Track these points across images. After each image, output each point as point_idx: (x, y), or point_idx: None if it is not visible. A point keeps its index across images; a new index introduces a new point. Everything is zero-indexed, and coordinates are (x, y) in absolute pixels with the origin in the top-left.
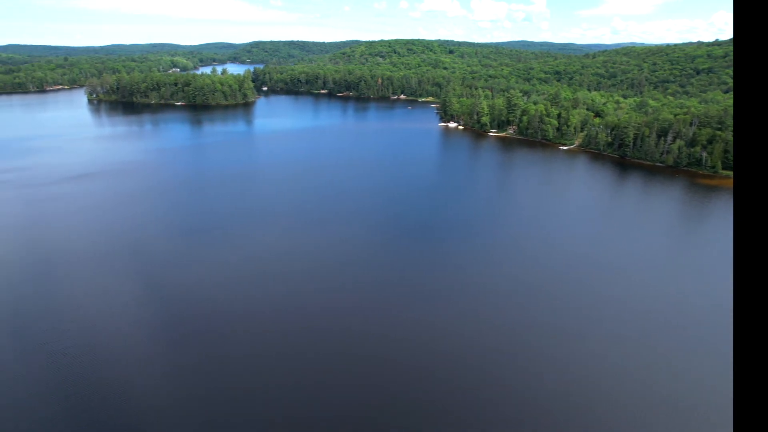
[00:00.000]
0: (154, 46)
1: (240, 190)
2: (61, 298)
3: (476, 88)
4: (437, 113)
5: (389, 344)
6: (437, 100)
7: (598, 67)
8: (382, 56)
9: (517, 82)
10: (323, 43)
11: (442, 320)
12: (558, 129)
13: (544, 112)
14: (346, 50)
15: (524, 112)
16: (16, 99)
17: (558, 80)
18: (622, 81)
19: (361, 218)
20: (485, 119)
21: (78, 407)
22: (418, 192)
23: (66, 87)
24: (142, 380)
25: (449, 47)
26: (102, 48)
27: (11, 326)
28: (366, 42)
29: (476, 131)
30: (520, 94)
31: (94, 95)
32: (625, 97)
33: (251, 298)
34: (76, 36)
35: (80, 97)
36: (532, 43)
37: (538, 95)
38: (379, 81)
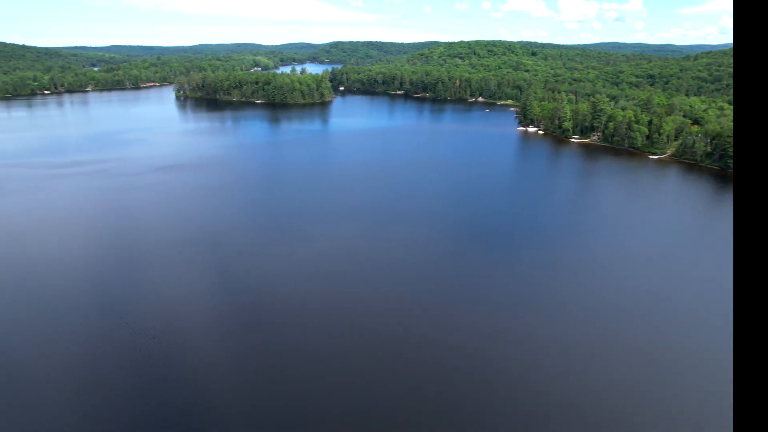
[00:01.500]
0: (238, 46)
1: (313, 188)
2: (143, 283)
3: (559, 92)
4: (516, 117)
5: (453, 353)
6: (517, 104)
7: (699, 70)
8: (460, 57)
9: (604, 86)
10: (401, 43)
11: (507, 333)
12: (648, 137)
13: (633, 118)
14: (424, 51)
15: (611, 117)
16: (114, 95)
17: (651, 84)
18: (728, 85)
19: (432, 221)
20: (567, 124)
21: (151, 381)
22: (493, 197)
23: (157, 84)
24: (209, 361)
25: (532, 49)
26: (191, 48)
27: (99, 305)
28: (445, 43)
29: (557, 137)
30: (607, 99)
31: (182, 92)
32: (731, 103)
33: (317, 294)
34: (169, 37)
35: (169, 93)
36: (623, 44)
37: (627, 100)
38: (457, 83)
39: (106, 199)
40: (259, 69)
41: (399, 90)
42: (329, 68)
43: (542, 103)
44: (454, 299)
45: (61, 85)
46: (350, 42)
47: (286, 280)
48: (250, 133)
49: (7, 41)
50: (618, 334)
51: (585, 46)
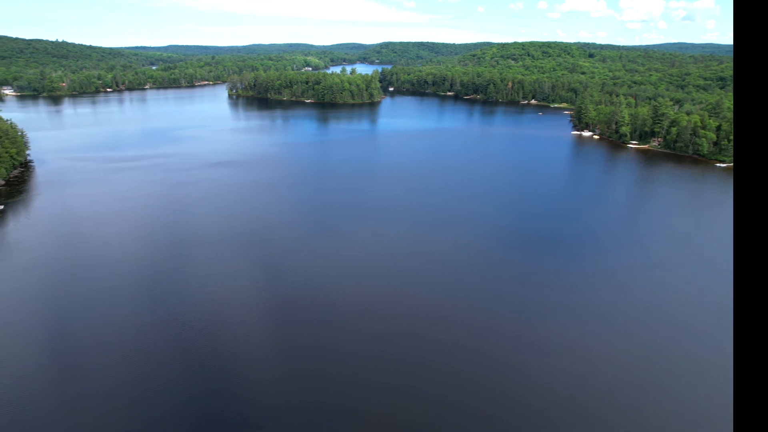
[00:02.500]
0: (290, 46)
1: (360, 187)
2: (192, 276)
3: (617, 95)
4: (570, 121)
5: (491, 362)
6: (571, 107)
7: None
8: (514, 59)
9: (667, 90)
10: (453, 44)
11: (551, 345)
12: (715, 143)
13: (699, 123)
14: (476, 52)
15: (673, 122)
16: (170, 93)
17: (721, 87)
18: None
19: (479, 224)
20: (625, 129)
21: (195, 371)
22: (544, 202)
23: (211, 83)
24: (251, 355)
25: (589, 50)
26: (244, 47)
27: (152, 296)
28: (498, 44)
29: (613, 142)
30: (670, 103)
31: (234, 91)
32: None
33: (358, 294)
34: (223, 36)
35: (222, 92)
36: (691, 45)
37: (694, 104)
38: (509, 84)
39: (161, 192)
40: (310, 69)
41: (449, 91)
42: (379, 69)
43: (598, 106)
44: (497, 306)
45: (122, 83)
46: (401, 42)
47: (329, 278)
48: (299, 132)
49: (76, 42)
50: (669, 347)
51: (648, 46)
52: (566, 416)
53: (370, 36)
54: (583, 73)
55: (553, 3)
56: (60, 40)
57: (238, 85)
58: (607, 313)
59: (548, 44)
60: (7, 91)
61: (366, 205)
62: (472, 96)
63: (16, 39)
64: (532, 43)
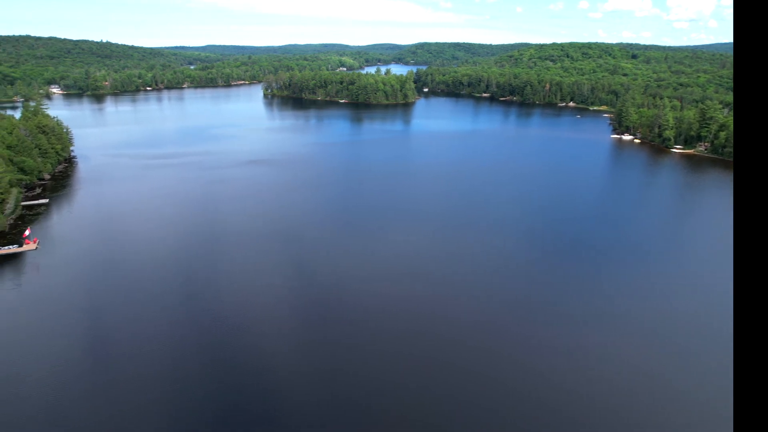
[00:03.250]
0: (325, 46)
1: (391, 188)
2: (225, 272)
3: (661, 98)
4: (610, 124)
5: (520, 371)
6: (611, 110)
7: None
8: (552, 60)
9: (716, 92)
10: (490, 45)
11: (581, 352)
12: None
13: None
14: (513, 53)
15: (722, 126)
16: (207, 92)
17: None
18: None
19: (511, 227)
20: (669, 133)
21: (225, 366)
22: (581, 207)
23: (247, 82)
24: (280, 351)
25: (632, 51)
26: (280, 48)
27: (186, 291)
28: (536, 45)
29: (656, 146)
30: (720, 106)
31: (269, 90)
32: None
33: (387, 295)
34: (260, 37)
35: (257, 91)
36: None
37: None
38: (547, 86)
39: (196, 190)
40: (345, 69)
41: (485, 93)
42: (414, 69)
43: (641, 109)
44: (526, 312)
45: (162, 82)
46: (436, 43)
47: (357, 278)
48: (332, 131)
49: (119, 42)
50: (708, 359)
51: (696, 47)
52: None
53: (406, 36)
54: (624, 74)
55: (594, 2)
56: (104, 40)
57: (274, 84)
58: (643, 321)
59: (588, 45)
60: (55, 90)
61: (397, 206)
62: (508, 98)
63: (64, 40)
64: (571, 44)
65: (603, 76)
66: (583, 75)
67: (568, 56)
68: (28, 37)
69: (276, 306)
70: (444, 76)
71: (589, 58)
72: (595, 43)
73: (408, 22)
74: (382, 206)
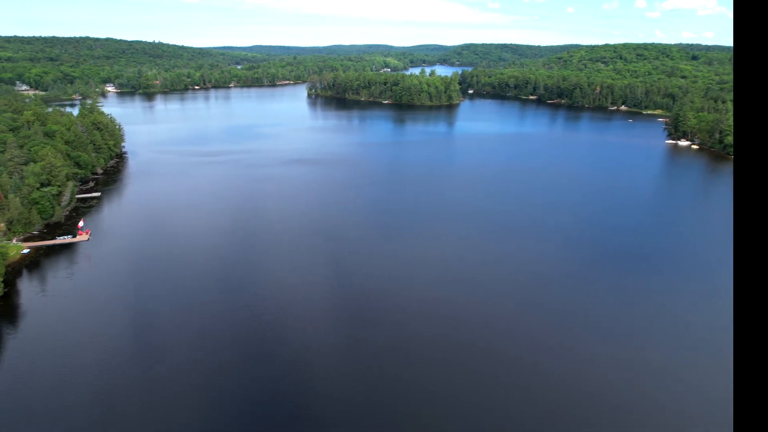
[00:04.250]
0: (370, 47)
1: (433, 190)
2: (265, 269)
3: (723, 101)
4: (665, 129)
5: (555, 381)
6: (667, 114)
7: None
8: (604, 62)
9: None
10: (538, 46)
11: (623, 366)
12: None
13: None
14: (562, 55)
15: None
16: (253, 91)
17: None
18: None
19: (555, 234)
20: (731, 139)
21: (262, 357)
22: (629, 214)
23: (292, 82)
24: (315, 348)
25: (692, 52)
26: (325, 48)
27: (226, 286)
28: (587, 46)
29: (715, 153)
30: None
31: (313, 90)
32: None
33: (424, 298)
34: (306, 37)
35: (301, 91)
36: None
37: None
38: (597, 89)
39: (239, 187)
40: (389, 70)
41: (532, 95)
42: (459, 70)
43: (700, 113)
44: (567, 323)
45: (209, 82)
46: (483, 44)
47: (396, 280)
48: (375, 132)
49: (170, 43)
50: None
51: None
52: None
53: (451, 37)
54: (683, 77)
55: (652, 1)
56: (156, 41)
57: (318, 84)
58: (696, 336)
59: (644, 46)
60: (110, 88)
61: (438, 209)
62: (555, 100)
63: (120, 41)
64: (625, 45)
65: (659, 79)
66: (637, 77)
67: (621, 58)
68: (87, 38)
69: (313, 304)
70: (490, 77)
71: (645, 59)
72: (652, 44)
73: (454, 22)
74: (423, 208)
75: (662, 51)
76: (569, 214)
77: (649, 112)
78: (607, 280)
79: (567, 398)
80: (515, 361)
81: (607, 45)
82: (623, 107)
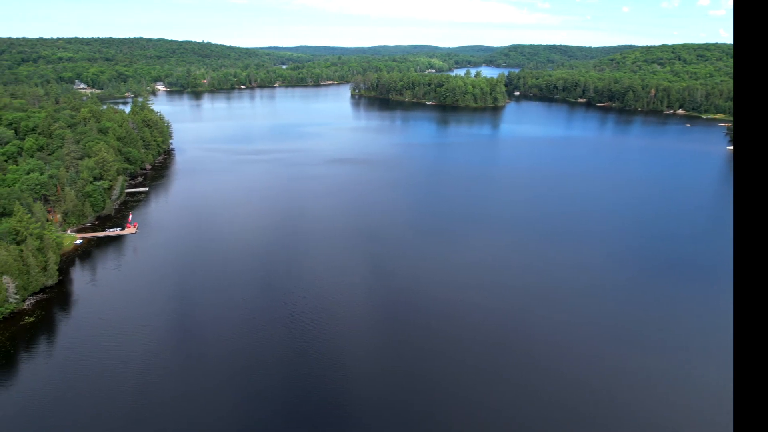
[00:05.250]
0: (414, 47)
1: (475, 193)
2: (305, 267)
3: None
4: (727, 134)
5: (599, 399)
6: (729, 118)
7: None
8: (660, 64)
9: None
10: (589, 47)
11: (673, 383)
12: None
13: None
14: (615, 56)
15: None
16: (297, 91)
17: None
18: None
19: (604, 241)
20: None
21: (300, 354)
22: (685, 223)
23: (336, 82)
24: (351, 348)
25: None
26: (369, 49)
27: (266, 282)
28: (642, 47)
29: None
30: None
31: (357, 90)
32: None
33: (463, 304)
34: (350, 38)
35: (345, 91)
36: None
37: None
38: (652, 92)
39: (282, 185)
40: (433, 71)
41: (581, 98)
42: (505, 72)
43: None
44: (614, 336)
45: (255, 81)
46: (531, 45)
47: (435, 283)
48: (418, 133)
49: (218, 43)
50: None
51: None
52: None
53: (498, 38)
54: None
55: None
56: (205, 41)
57: (361, 85)
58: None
59: (706, 46)
60: (160, 87)
61: (480, 211)
62: (606, 103)
63: (171, 41)
64: (684, 46)
65: (722, 81)
66: (696, 79)
67: (679, 59)
68: (141, 39)
69: (352, 304)
70: (537, 79)
71: (706, 60)
72: (715, 44)
73: (501, 23)
74: (465, 211)
75: (726, 51)
76: (619, 220)
77: (709, 116)
78: (660, 290)
79: (610, 416)
80: (556, 374)
81: (664, 45)
82: (680, 111)
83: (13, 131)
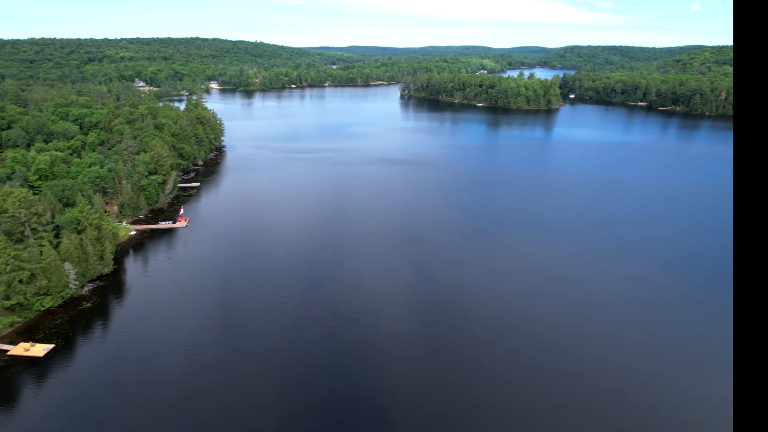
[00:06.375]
0: (466, 48)
1: (525, 197)
2: (349, 266)
3: None
4: None
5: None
6: None
7: None
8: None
9: None
10: (652, 48)
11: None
12: None
13: None
14: (682, 57)
15: None
16: (347, 90)
17: None
18: None
19: (664, 252)
20: None
21: (341, 354)
22: None
23: (385, 83)
24: (393, 350)
25: None
26: (420, 49)
27: (310, 280)
28: (712, 47)
29: None
30: None
31: (406, 91)
32: None
33: (508, 314)
34: (401, 38)
35: (394, 92)
36: None
37: None
38: (723, 95)
39: (329, 184)
40: (485, 72)
41: (641, 101)
42: (560, 74)
43: None
44: (671, 356)
45: (305, 80)
46: (588, 46)
47: (480, 289)
48: (467, 135)
49: (270, 42)
50: None
51: None
52: None
53: (553, 39)
54: None
55: None
56: (258, 41)
57: (411, 85)
58: None
59: None
60: (213, 85)
61: (530, 216)
62: (669, 107)
63: (225, 41)
64: None
65: None
66: None
67: None
68: (197, 38)
69: (393, 306)
70: (594, 82)
71: None
72: None
73: (557, 23)
74: (513, 215)
75: None
76: (682, 229)
77: None
78: (724, 304)
79: None
80: (606, 395)
81: None
82: None
83: (78, 126)
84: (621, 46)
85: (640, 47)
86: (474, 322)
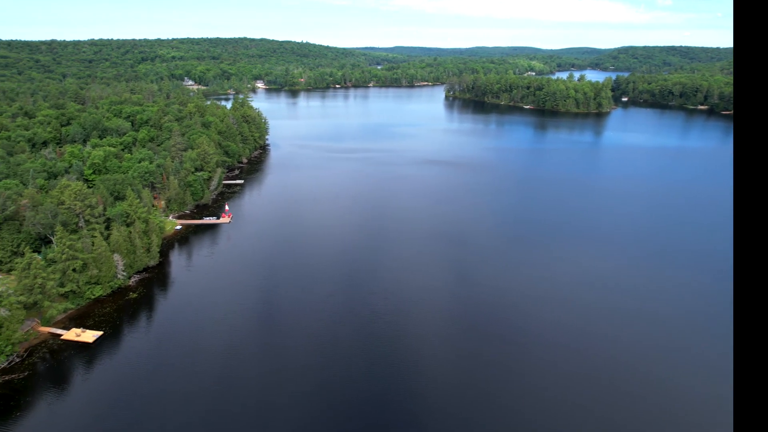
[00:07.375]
0: (514, 49)
1: (572, 203)
2: (388, 267)
3: None
4: None
5: None
6: None
7: None
8: None
9: None
10: (716, 48)
11: None
12: None
13: None
14: None
15: None
16: (391, 91)
17: None
18: None
19: (718, 262)
20: None
21: (377, 354)
22: None
23: (430, 83)
24: (430, 355)
25: None
26: (467, 50)
27: (350, 279)
28: None
29: None
30: None
31: (451, 92)
32: None
33: (551, 324)
34: (447, 38)
35: (439, 93)
36: None
37: None
38: None
39: (371, 184)
40: (533, 74)
41: (702, 104)
42: (613, 76)
43: None
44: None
45: (350, 81)
46: (644, 47)
47: (522, 296)
48: (513, 137)
49: (316, 43)
50: None
51: None
52: None
53: (606, 40)
54: None
55: None
56: (304, 41)
57: (456, 86)
58: None
59: None
60: (259, 84)
61: (576, 223)
62: (732, 111)
63: (272, 41)
64: None
65: None
66: None
67: None
68: (245, 38)
69: (432, 309)
70: (649, 84)
71: None
72: None
73: (611, 23)
74: (559, 221)
75: None
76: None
77: None
78: None
79: None
80: (645, 408)
81: None
82: None
83: (130, 123)
84: (681, 47)
85: (702, 47)
86: (512, 329)
